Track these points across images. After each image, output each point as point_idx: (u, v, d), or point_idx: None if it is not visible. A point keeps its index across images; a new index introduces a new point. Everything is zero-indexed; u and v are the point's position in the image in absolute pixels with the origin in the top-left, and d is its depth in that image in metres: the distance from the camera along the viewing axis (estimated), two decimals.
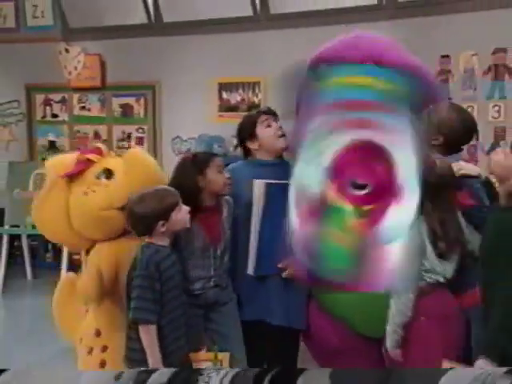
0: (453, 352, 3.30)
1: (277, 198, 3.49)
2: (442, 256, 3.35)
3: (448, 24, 6.80)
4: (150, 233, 3.39)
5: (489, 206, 3.42)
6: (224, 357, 3.56)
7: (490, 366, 2.85)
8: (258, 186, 3.75)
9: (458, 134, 3.54)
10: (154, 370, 2.46)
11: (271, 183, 3.72)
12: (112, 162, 4.05)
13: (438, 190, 3.31)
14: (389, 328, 3.36)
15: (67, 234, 3.99)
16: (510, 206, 3.06)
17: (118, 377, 2.42)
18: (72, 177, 3.96)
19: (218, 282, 3.77)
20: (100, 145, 4.23)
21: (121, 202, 3.76)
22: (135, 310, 3.28)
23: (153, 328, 3.26)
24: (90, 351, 3.89)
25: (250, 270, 3.80)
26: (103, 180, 3.94)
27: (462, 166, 3.47)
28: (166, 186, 3.58)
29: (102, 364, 3.84)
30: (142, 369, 2.63)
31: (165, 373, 2.41)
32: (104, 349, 3.85)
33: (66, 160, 4.10)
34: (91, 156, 4.01)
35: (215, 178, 3.70)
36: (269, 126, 3.85)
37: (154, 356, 3.26)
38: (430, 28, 6.94)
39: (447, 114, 3.53)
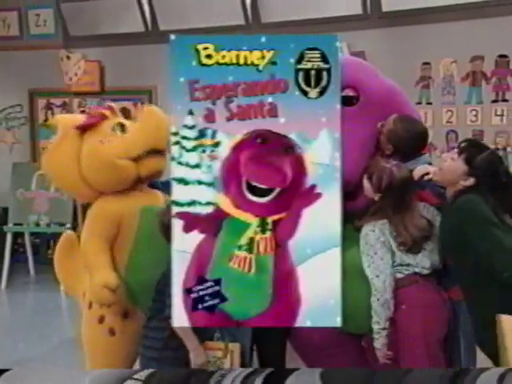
0: (434, 339, 3.27)
1: None
2: (410, 250, 3.30)
3: (429, 33, 6.85)
4: None
5: None
6: (235, 347, 3.42)
7: None
8: None
9: (406, 142, 3.51)
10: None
11: None
12: (145, 113, 3.99)
13: (397, 194, 3.30)
14: (376, 327, 3.24)
15: (76, 184, 3.89)
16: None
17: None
18: (85, 129, 3.88)
19: None
20: (113, 104, 4.17)
21: (136, 152, 3.78)
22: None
23: None
24: (90, 306, 3.83)
25: None
26: (118, 132, 3.87)
27: (428, 170, 3.43)
28: None
29: (101, 319, 3.79)
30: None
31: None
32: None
33: (76, 117, 4.09)
34: (105, 111, 3.95)
35: None
36: None
37: (190, 342, 3.28)
38: (412, 37, 6.97)
39: (393, 125, 3.50)
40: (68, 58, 8.46)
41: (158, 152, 3.83)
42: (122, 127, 3.89)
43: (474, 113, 6.77)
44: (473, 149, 3.18)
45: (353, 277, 3.26)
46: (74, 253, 4.03)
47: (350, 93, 3.52)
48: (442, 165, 3.26)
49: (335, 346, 3.53)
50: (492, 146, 6.46)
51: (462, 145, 3.23)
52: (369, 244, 3.27)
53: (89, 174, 3.85)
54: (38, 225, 7.91)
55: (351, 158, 3.27)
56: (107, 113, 3.93)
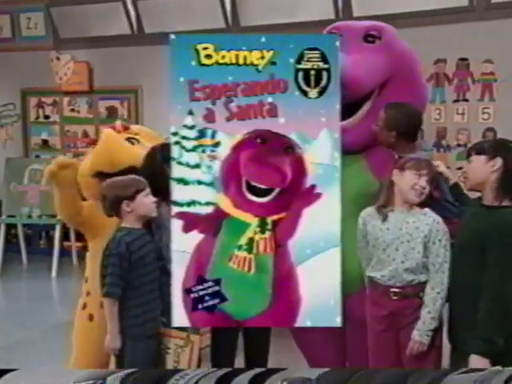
0: None
1: None
2: None
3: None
4: (118, 214, 3.13)
5: (452, 201, 3.11)
6: (195, 338, 3.18)
7: (483, 362, 2.56)
8: None
9: (404, 123, 3.28)
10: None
11: None
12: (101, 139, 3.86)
13: None
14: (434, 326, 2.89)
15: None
16: (497, 205, 2.74)
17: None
18: None
19: None
20: (118, 122, 4.02)
21: (88, 173, 3.67)
22: (109, 285, 3.03)
23: (117, 303, 3.02)
24: (81, 295, 3.82)
25: None
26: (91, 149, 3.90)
27: (439, 165, 3.18)
28: (135, 176, 3.27)
29: (84, 306, 3.75)
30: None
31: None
32: (87, 293, 3.73)
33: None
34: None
35: None
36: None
37: (113, 325, 3.03)
38: None
39: (385, 113, 3.28)
40: (58, 59, 8.22)
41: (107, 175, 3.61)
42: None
43: (437, 111, 6.59)
44: (478, 144, 2.88)
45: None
46: None
47: (373, 32, 3.43)
48: (465, 171, 2.90)
49: None
50: (454, 143, 6.49)
51: (468, 149, 2.92)
52: (443, 233, 2.91)
53: None
54: (30, 217, 7.72)
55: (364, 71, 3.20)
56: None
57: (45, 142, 8.55)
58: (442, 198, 3.06)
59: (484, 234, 2.67)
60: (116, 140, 3.73)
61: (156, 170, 3.32)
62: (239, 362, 3.64)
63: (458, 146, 6.45)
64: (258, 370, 2.13)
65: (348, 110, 3.21)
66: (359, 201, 3.14)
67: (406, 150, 3.24)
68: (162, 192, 3.15)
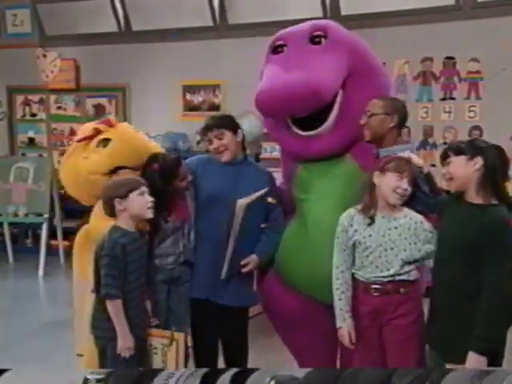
0: None
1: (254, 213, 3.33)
2: None
3: (384, 36, 6.63)
4: (113, 213, 3.13)
5: (428, 193, 3.03)
6: (179, 336, 3.22)
7: (480, 360, 2.58)
8: (240, 205, 3.24)
9: (402, 109, 3.23)
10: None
11: (251, 201, 3.30)
12: (116, 132, 3.78)
13: None
14: None
15: (78, 192, 3.87)
16: (486, 204, 2.72)
17: None
18: (85, 142, 3.81)
19: (187, 258, 3.44)
20: (111, 117, 4.10)
21: (106, 169, 3.63)
22: (106, 287, 3.02)
23: (119, 302, 3.02)
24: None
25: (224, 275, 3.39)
26: (100, 148, 3.72)
27: (409, 156, 3.11)
28: (134, 176, 3.33)
29: None
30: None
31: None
32: None
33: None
34: (99, 126, 3.81)
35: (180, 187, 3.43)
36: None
37: (121, 326, 3.03)
38: (368, 39, 6.65)
39: (383, 101, 3.20)
40: (44, 56, 8.22)
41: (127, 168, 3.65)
42: (106, 142, 3.72)
43: (424, 110, 6.65)
44: (454, 145, 2.84)
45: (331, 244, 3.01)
46: (88, 244, 3.74)
47: (318, 33, 3.30)
48: (449, 173, 2.81)
49: (308, 317, 3.36)
50: (441, 141, 6.56)
51: (444, 151, 2.87)
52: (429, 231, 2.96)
53: (77, 187, 3.82)
54: (16, 215, 7.65)
55: (324, 75, 3.10)
56: (102, 127, 3.78)
57: (31, 139, 8.55)
58: (416, 189, 3.00)
59: (476, 235, 2.64)
60: (133, 131, 3.77)
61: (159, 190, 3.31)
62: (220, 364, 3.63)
63: (445, 144, 6.45)
64: (240, 370, 2.14)
65: (319, 117, 3.18)
66: (350, 197, 3.12)
67: (392, 140, 3.19)
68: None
